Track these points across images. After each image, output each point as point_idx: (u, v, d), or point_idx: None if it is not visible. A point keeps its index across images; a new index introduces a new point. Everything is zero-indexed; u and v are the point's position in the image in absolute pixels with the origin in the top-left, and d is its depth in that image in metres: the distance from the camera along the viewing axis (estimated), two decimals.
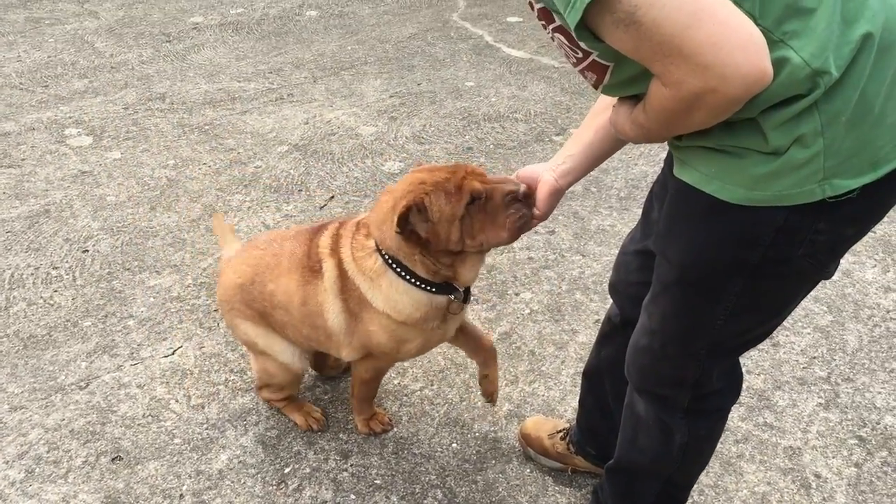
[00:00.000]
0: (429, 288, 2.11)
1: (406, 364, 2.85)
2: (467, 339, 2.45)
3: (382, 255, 2.11)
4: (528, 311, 3.13)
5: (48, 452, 2.50)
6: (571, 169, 1.90)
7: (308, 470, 2.45)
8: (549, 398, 2.72)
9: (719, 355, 1.70)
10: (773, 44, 1.21)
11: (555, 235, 3.60)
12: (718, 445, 2.47)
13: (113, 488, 2.38)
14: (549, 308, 3.14)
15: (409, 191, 2.00)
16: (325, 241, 2.27)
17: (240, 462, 2.47)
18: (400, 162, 4.22)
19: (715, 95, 1.16)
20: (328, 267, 2.22)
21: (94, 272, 3.34)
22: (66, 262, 3.40)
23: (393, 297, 2.12)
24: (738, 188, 1.39)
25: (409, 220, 1.97)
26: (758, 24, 1.19)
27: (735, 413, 2.64)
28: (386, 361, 2.35)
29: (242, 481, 2.40)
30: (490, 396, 2.53)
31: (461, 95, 5.03)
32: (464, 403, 2.70)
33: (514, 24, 6.19)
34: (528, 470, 2.46)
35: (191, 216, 3.73)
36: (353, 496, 2.36)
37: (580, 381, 2.33)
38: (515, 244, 3.46)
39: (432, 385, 2.77)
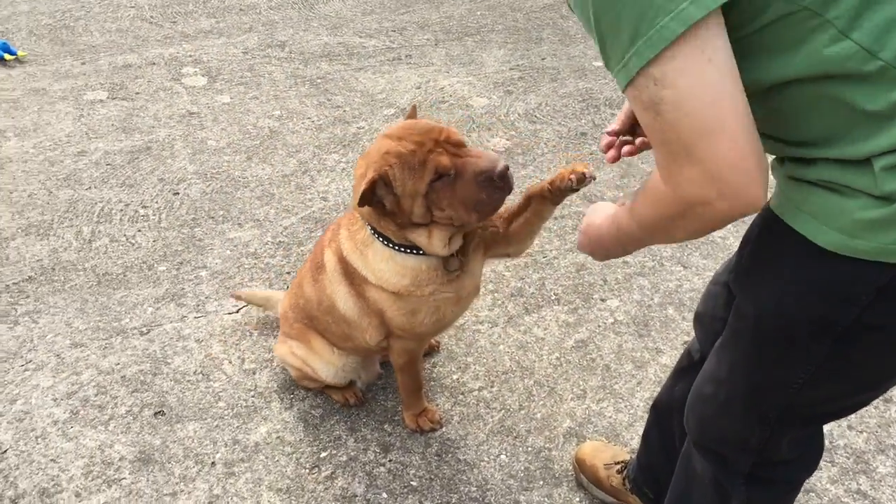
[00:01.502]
0: (415, 251, 1.99)
1: (469, 360, 2.68)
2: (519, 215, 2.13)
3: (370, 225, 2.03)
4: (611, 320, 2.89)
5: (96, 396, 2.48)
6: None
7: (345, 458, 2.32)
8: (615, 422, 2.49)
9: (793, 423, 1.45)
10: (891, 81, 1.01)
11: None
12: None
13: (149, 444, 2.33)
14: (636, 320, 2.89)
15: (373, 160, 1.88)
16: (326, 235, 2.26)
17: (278, 438, 2.37)
18: (507, 140, 4.01)
19: (707, 209, 1.10)
20: (328, 257, 2.19)
21: (180, 216, 3.31)
22: (156, 202, 3.40)
23: (379, 266, 2.04)
24: (838, 234, 1.14)
25: (376, 193, 1.85)
26: (876, 58, 1.00)
27: (825, 473, 2.34)
28: (410, 339, 2.20)
29: (276, 458, 2.31)
30: (572, 182, 1.96)
31: (585, 75, 4.75)
32: (522, 412, 2.51)
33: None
34: (578, 499, 2.25)
35: (284, 171, 3.66)
36: (385, 494, 2.23)
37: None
38: None
39: (492, 387, 2.59)
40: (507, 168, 1.83)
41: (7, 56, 4.44)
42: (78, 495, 2.18)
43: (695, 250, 3.27)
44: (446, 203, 1.85)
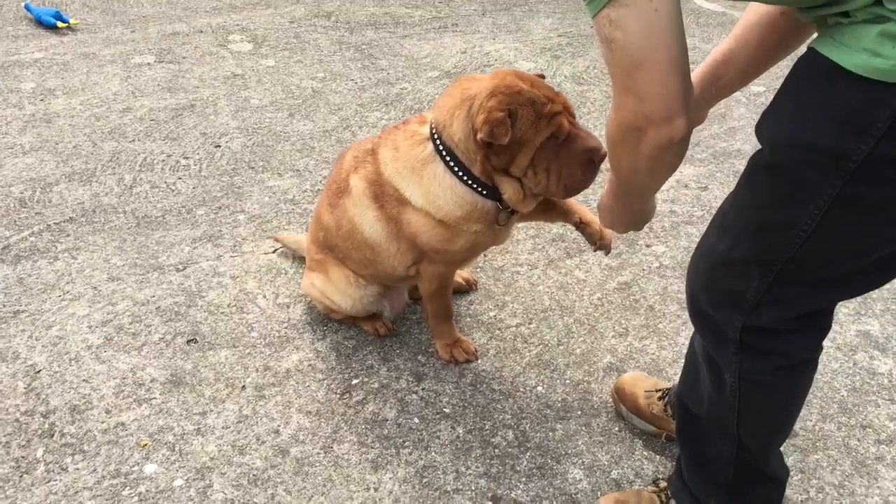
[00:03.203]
0: (477, 188, 1.96)
1: (507, 298, 2.60)
2: (546, 211, 2.21)
3: (436, 146, 1.97)
4: (657, 264, 2.79)
5: (130, 324, 2.46)
6: (725, 83, 1.66)
7: (377, 385, 2.27)
8: (659, 358, 2.39)
9: (795, 281, 1.36)
10: None
11: (707, 192, 3.21)
12: (854, 441, 2.08)
13: (181, 368, 2.30)
14: (682, 265, 2.78)
15: (504, 92, 1.84)
16: (347, 161, 2.20)
17: (309, 365, 2.33)
18: None
19: (641, 135, 1.27)
20: (355, 182, 2.13)
21: (220, 166, 3.31)
22: (198, 153, 3.40)
23: (433, 189, 1.98)
24: (862, 53, 1.11)
25: (501, 134, 1.82)
26: None
27: (885, 409, 2.21)
28: (442, 263, 2.14)
29: (307, 384, 2.26)
30: (601, 242, 2.20)
31: None
32: (560, 347, 2.42)
33: None
34: (617, 428, 2.16)
35: (326, 126, 3.64)
36: (416, 419, 2.16)
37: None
38: (659, 194, 3.11)
39: (531, 323, 2.51)
40: (605, 154, 1.82)
41: (59, 23, 4.51)
42: (108, 412, 2.16)
43: None
44: (544, 166, 1.89)
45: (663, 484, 1.87)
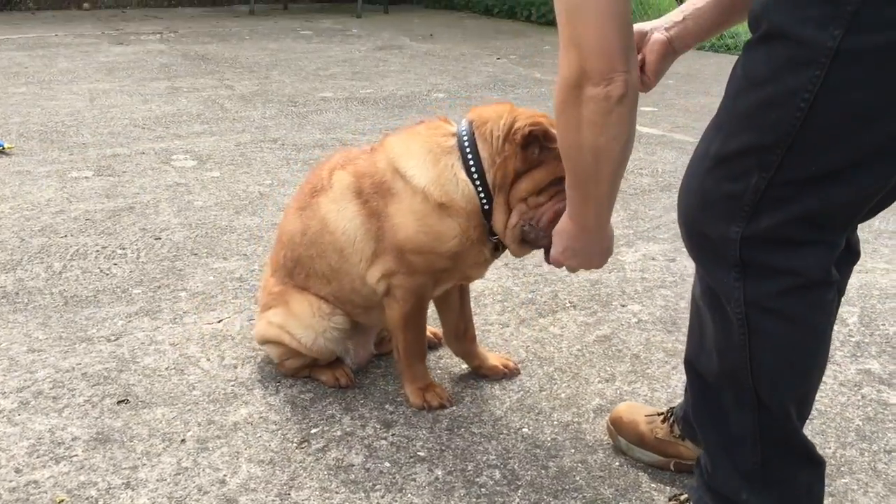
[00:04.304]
0: (482, 196, 1.90)
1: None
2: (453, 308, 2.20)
3: (462, 140, 1.91)
4: (635, 320, 2.61)
5: (51, 389, 2.14)
6: (688, 24, 1.58)
7: (339, 433, 1.97)
8: (652, 399, 2.16)
9: (794, 171, 1.23)
10: None
11: (675, 263, 3.08)
12: (881, 465, 1.85)
13: (108, 426, 1.98)
14: (662, 320, 2.60)
15: (550, 121, 1.85)
16: (333, 161, 2.10)
17: (261, 418, 2.02)
18: None
19: (583, 92, 1.32)
20: (338, 177, 2.03)
21: (160, 253, 3.08)
22: (136, 245, 3.17)
23: (445, 175, 1.89)
24: None
25: (538, 138, 1.84)
26: None
27: None
28: (421, 271, 1.94)
29: (258, 435, 1.95)
30: (496, 370, 2.26)
31: None
32: (543, 393, 2.18)
33: (647, 112, 5.87)
34: (618, 463, 1.89)
35: (274, 220, 3.46)
36: (387, 463, 1.86)
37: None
38: (626, 266, 2.98)
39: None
40: None
41: None
42: (18, 471, 1.81)
43: None
44: (546, 198, 1.87)
45: (684, 496, 1.60)
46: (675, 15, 1.61)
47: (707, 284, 1.40)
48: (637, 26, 1.59)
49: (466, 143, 1.89)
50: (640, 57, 1.60)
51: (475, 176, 1.88)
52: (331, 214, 1.98)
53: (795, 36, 1.15)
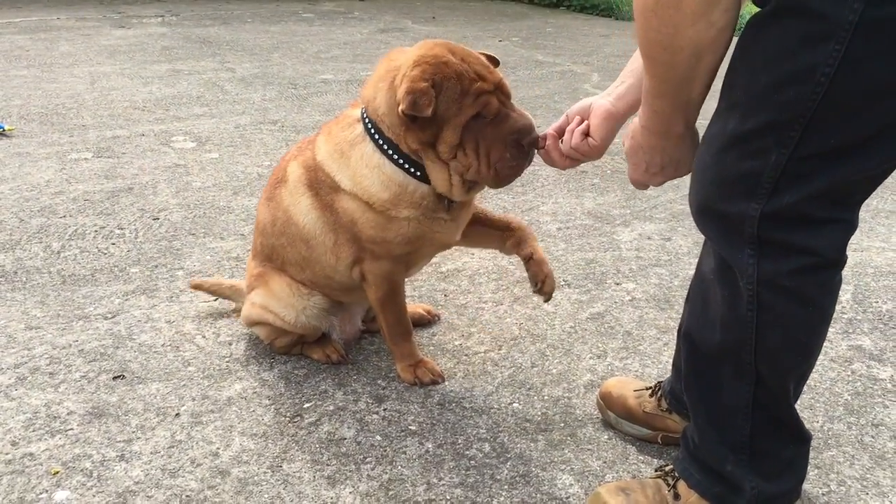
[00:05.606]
0: (408, 167, 1.83)
1: (472, 329, 2.38)
2: (487, 227, 2.09)
3: (366, 125, 1.86)
4: (629, 298, 2.62)
5: (48, 365, 2.16)
6: (628, 90, 1.63)
7: (332, 408, 1.99)
8: (643, 375, 2.17)
9: (814, 146, 1.21)
10: None
11: (671, 242, 3.09)
12: (868, 438, 1.88)
13: (104, 401, 2.00)
14: (655, 298, 2.62)
15: (429, 62, 1.75)
16: (291, 151, 2.09)
17: (254, 393, 2.05)
18: None
19: None
20: (292, 168, 2.01)
21: (158, 233, 3.10)
22: (134, 225, 3.19)
23: (360, 171, 1.85)
24: None
25: (428, 95, 1.70)
26: None
27: (895, 409, 2.01)
28: (385, 258, 1.94)
29: (251, 409, 1.97)
30: (542, 285, 2.04)
31: None
32: (535, 369, 2.19)
33: None
34: (607, 437, 1.90)
35: None
36: (378, 437, 1.88)
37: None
38: (622, 245, 2.99)
39: (500, 349, 2.29)
40: (538, 139, 1.77)
41: None
42: (14, 444, 1.83)
43: None
44: (472, 146, 1.76)
45: (669, 467, 1.61)
46: (615, 83, 1.66)
47: (721, 258, 1.38)
48: (581, 101, 1.72)
49: (371, 127, 1.85)
50: (584, 124, 1.67)
51: (393, 154, 1.82)
52: (292, 207, 1.99)
53: (811, 11, 1.12)
